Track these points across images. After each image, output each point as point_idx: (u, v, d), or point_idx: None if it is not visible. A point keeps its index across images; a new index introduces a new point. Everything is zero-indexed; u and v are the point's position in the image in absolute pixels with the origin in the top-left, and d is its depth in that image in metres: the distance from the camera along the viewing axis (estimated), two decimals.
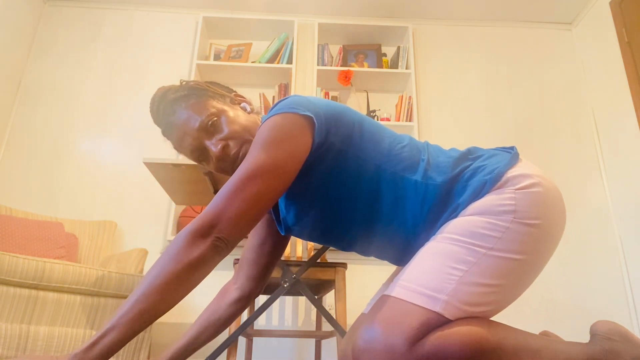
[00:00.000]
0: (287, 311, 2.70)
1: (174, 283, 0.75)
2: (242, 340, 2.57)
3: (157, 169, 1.69)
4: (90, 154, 2.96)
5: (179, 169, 1.68)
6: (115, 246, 2.74)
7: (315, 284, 2.02)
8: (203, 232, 0.77)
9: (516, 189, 0.86)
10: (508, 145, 3.14)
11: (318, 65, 3.19)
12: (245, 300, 1.12)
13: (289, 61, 3.19)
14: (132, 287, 1.96)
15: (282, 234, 1.11)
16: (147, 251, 2.27)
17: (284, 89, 3.15)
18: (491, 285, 0.80)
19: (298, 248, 1.96)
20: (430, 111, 3.22)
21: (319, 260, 1.89)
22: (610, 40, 3.00)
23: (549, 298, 2.79)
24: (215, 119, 0.96)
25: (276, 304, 2.70)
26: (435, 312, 0.77)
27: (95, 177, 2.91)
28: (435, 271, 0.80)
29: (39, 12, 3.26)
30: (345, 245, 1.01)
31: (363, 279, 2.79)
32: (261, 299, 2.66)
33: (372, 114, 3.14)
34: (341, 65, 3.26)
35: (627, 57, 2.82)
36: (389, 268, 2.83)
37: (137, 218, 2.83)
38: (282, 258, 2.64)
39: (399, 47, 3.30)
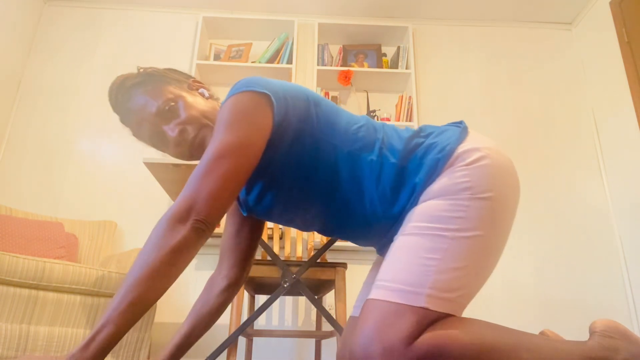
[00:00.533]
0: (287, 311, 2.70)
1: (160, 270, 0.75)
2: (242, 340, 2.57)
3: (157, 169, 1.69)
4: (90, 154, 2.96)
5: (179, 169, 1.68)
6: (115, 246, 2.74)
7: (315, 284, 2.01)
8: (181, 217, 0.78)
9: (467, 165, 0.87)
10: (508, 144, 3.15)
11: (318, 65, 3.19)
12: (233, 287, 1.13)
13: (289, 61, 3.19)
14: None
15: (245, 215, 1.12)
16: None
17: None
18: (466, 267, 0.82)
19: (298, 248, 1.96)
20: (430, 111, 3.22)
21: (319, 260, 1.89)
22: (610, 40, 3.00)
23: (549, 298, 2.79)
24: (173, 104, 0.97)
25: (276, 304, 2.70)
26: (421, 307, 0.78)
27: (95, 177, 2.91)
28: (412, 265, 0.81)
29: (39, 12, 3.26)
30: (308, 225, 1.02)
31: (363, 279, 2.78)
32: (261, 299, 2.66)
33: (372, 114, 3.14)
34: (341, 65, 3.26)
35: (627, 57, 2.82)
36: None
37: (137, 218, 2.83)
38: (282, 258, 2.64)
39: (399, 47, 3.30)
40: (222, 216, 0.82)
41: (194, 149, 0.98)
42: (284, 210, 0.99)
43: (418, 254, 0.82)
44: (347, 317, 2.64)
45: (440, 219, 0.84)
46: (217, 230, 2.66)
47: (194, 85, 1.06)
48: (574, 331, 2.73)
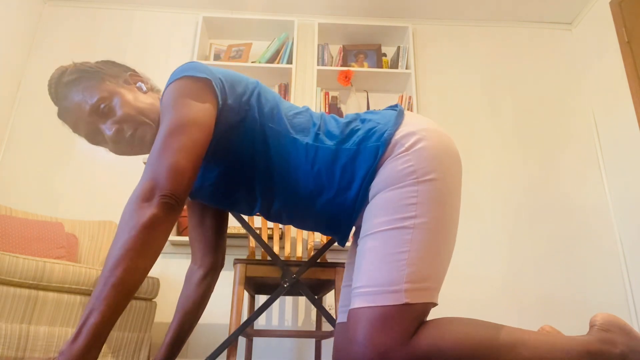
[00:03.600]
0: (287, 311, 2.70)
1: (136, 249, 0.74)
2: (242, 340, 2.57)
3: None
4: (90, 153, 2.96)
5: None
6: None
7: (315, 284, 2.01)
8: (146, 196, 0.78)
9: (406, 150, 0.88)
10: (508, 144, 3.15)
11: (318, 65, 3.19)
12: (211, 274, 1.15)
13: (289, 61, 3.19)
14: None
15: (192, 199, 1.12)
16: None
17: (284, 89, 3.15)
18: (432, 252, 0.83)
19: (298, 248, 1.96)
20: (430, 111, 3.22)
21: (319, 260, 1.89)
22: (610, 40, 3.00)
23: (549, 297, 2.79)
24: (107, 102, 0.96)
25: (276, 304, 2.70)
26: (403, 304, 0.78)
27: (95, 177, 2.91)
28: (383, 264, 0.82)
29: (39, 12, 3.26)
30: (249, 209, 1.03)
31: None
32: (261, 299, 2.66)
33: None
34: (341, 65, 3.26)
35: (627, 57, 2.82)
36: None
37: None
38: (282, 258, 2.64)
39: (399, 47, 3.30)
40: (188, 188, 0.82)
41: (134, 146, 0.98)
42: (225, 192, 1.00)
43: (386, 252, 0.83)
44: None
45: (395, 210, 0.84)
46: None
47: (132, 79, 1.05)
48: (574, 331, 2.73)
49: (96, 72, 1.00)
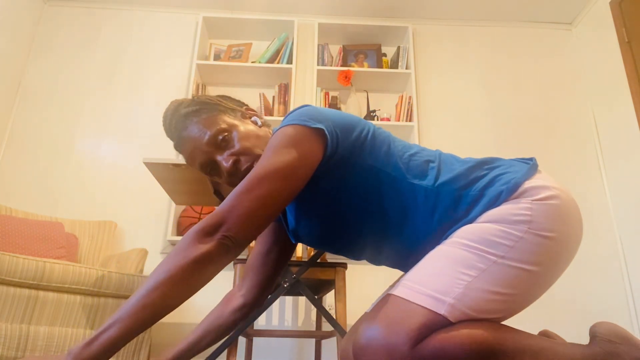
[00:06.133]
0: (287, 311, 2.70)
1: (179, 279, 0.74)
2: (242, 340, 2.57)
3: (157, 169, 1.69)
4: (90, 154, 2.96)
5: (179, 169, 1.67)
6: (115, 246, 2.74)
7: (315, 284, 2.01)
8: (210, 230, 0.77)
9: (533, 200, 0.84)
10: (508, 144, 3.15)
11: (318, 65, 3.19)
12: (248, 308, 1.11)
13: (289, 61, 3.19)
14: (132, 287, 1.95)
15: (293, 242, 1.11)
16: (147, 251, 2.27)
17: (284, 89, 3.15)
18: (499, 294, 0.79)
19: (298, 248, 1.96)
20: (430, 111, 3.22)
21: (319, 260, 1.89)
22: (610, 40, 3.00)
23: (549, 298, 2.79)
24: (226, 134, 0.97)
25: (276, 304, 2.70)
26: (439, 314, 0.77)
27: (95, 177, 2.91)
28: (444, 274, 0.80)
29: (39, 12, 3.26)
30: (356, 254, 1.01)
31: (363, 279, 2.79)
32: None
33: (372, 114, 3.14)
34: (341, 65, 3.26)
35: (627, 57, 2.82)
36: (389, 268, 2.83)
37: (137, 218, 2.83)
38: None
39: (399, 47, 3.30)
40: (253, 237, 0.81)
41: None
42: (335, 238, 0.98)
43: (454, 266, 0.81)
44: (347, 317, 2.64)
45: (487, 242, 0.82)
46: None
47: (247, 113, 1.05)
48: (574, 331, 2.73)
49: (215, 104, 1.01)
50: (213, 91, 3.25)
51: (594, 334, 0.87)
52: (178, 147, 1.02)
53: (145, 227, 2.81)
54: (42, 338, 1.69)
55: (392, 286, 1.09)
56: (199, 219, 2.76)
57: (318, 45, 3.27)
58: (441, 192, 0.89)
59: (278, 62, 3.18)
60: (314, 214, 0.96)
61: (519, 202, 0.85)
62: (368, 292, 2.75)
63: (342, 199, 0.92)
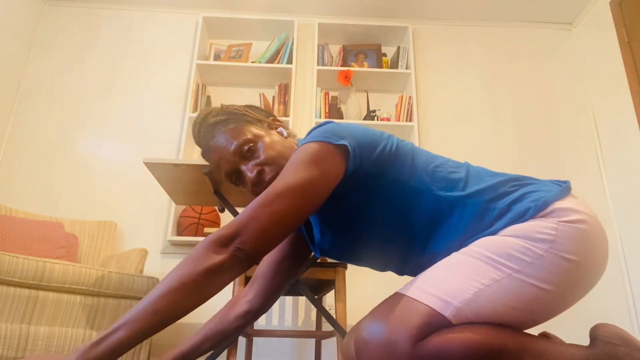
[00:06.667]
0: (287, 311, 2.70)
1: (190, 287, 0.74)
2: (242, 340, 2.57)
3: (157, 169, 1.69)
4: (90, 154, 2.96)
5: (179, 169, 1.67)
6: (115, 246, 2.74)
7: (315, 284, 2.01)
8: (224, 241, 0.78)
9: (560, 221, 0.83)
10: (508, 144, 3.15)
11: (318, 65, 3.19)
12: (252, 315, 1.11)
13: (289, 61, 3.19)
14: (132, 287, 1.95)
15: (318, 256, 1.11)
16: (147, 251, 2.27)
17: (284, 89, 3.15)
18: (507, 306, 0.79)
19: None
20: (430, 111, 3.22)
21: (319, 260, 1.89)
22: (610, 40, 3.00)
23: None
24: (252, 144, 0.97)
25: (276, 304, 2.70)
26: (443, 316, 0.77)
27: (95, 177, 2.91)
28: (455, 279, 0.80)
29: (39, 12, 3.26)
30: (382, 266, 1.01)
31: (363, 279, 2.78)
32: None
33: (372, 114, 3.14)
34: (341, 65, 3.26)
35: (627, 57, 2.82)
36: None
37: (137, 218, 2.83)
38: None
39: (399, 47, 3.30)
40: (267, 252, 0.81)
41: None
42: (361, 252, 0.99)
43: (467, 273, 0.81)
44: (347, 317, 2.64)
45: (505, 255, 0.81)
46: None
47: (274, 124, 1.06)
48: (573, 332, 2.72)
49: (243, 115, 1.02)
50: (213, 91, 3.25)
51: (594, 335, 0.87)
52: (205, 155, 1.03)
53: (145, 227, 2.81)
54: (42, 338, 1.69)
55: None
56: (199, 219, 2.76)
57: (318, 45, 3.27)
58: (468, 204, 0.89)
59: (278, 62, 3.18)
60: (340, 228, 0.96)
61: (546, 220, 0.84)
62: (368, 292, 2.75)
63: (368, 213, 0.92)
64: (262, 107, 1.09)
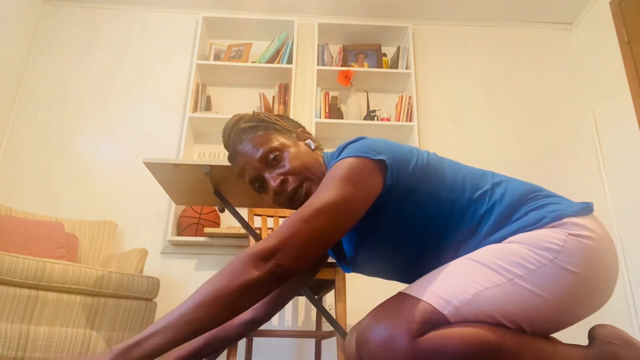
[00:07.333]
0: (287, 311, 2.70)
1: (227, 301, 0.75)
2: (242, 340, 2.57)
3: (157, 169, 1.69)
4: (90, 154, 2.96)
5: (179, 169, 1.67)
6: (115, 246, 2.74)
7: (315, 284, 2.01)
8: (264, 256, 0.78)
9: (570, 233, 0.84)
10: (508, 144, 3.15)
11: (318, 65, 3.19)
12: (256, 323, 1.11)
13: (289, 61, 3.19)
14: (132, 287, 1.95)
15: (348, 271, 1.11)
16: (147, 251, 2.27)
17: (284, 89, 3.15)
18: (506, 311, 0.79)
19: None
20: (430, 111, 3.22)
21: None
22: (610, 40, 3.00)
23: None
24: (278, 153, 0.98)
25: None
26: (443, 314, 0.78)
27: (95, 177, 2.91)
28: (457, 280, 0.81)
29: (39, 12, 3.26)
30: (413, 278, 1.01)
31: (363, 279, 2.78)
32: None
33: (372, 114, 3.14)
34: (341, 65, 3.26)
35: (627, 56, 2.82)
36: None
37: (137, 218, 2.83)
38: None
39: (399, 47, 3.30)
40: (302, 269, 0.81)
41: (294, 202, 0.98)
42: (394, 266, 0.99)
43: (469, 275, 0.82)
44: (347, 317, 2.64)
45: (510, 261, 0.82)
46: (225, 231, 2.66)
47: (302, 135, 1.07)
48: (573, 331, 2.72)
49: (272, 123, 1.03)
50: (213, 91, 3.25)
51: (593, 335, 0.87)
52: (231, 160, 1.04)
53: (145, 227, 2.81)
54: (42, 338, 1.69)
55: None
56: (199, 219, 2.76)
57: (318, 45, 3.27)
58: (492, 212, 0.91)
59: (278, 62, 3.18)
60: (376, 243, 0.97)
61: (556, 231, 0.85)
62: (368, 292, 2.75)
63: (406, 227, 0.93)
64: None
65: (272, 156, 0.98)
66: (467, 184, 0.94)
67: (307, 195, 0.97)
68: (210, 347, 1.07)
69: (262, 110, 3.06)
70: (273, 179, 0.97)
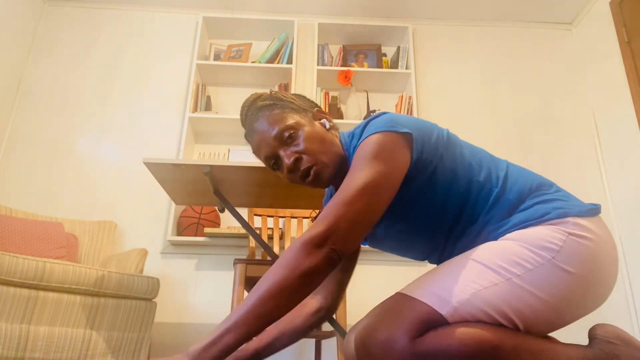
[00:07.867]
0: None
1: (292, 290, 0.77)
2: None
3: (157, 169, 1.69)
4: (90, 154, 2.96)
5: (179, 169, 1.67)
6: (115, 246, 2.74)
7: None
8: (319, 242, 0.79)
9: (570, 233, 0.85)
10: (508, 144, 3.15)
11: (318, 65, 3.19)
12: (324, 312, 1.11)
13: (289, 61, 3.19)
14: (132, 287, 1.95)
15: (365, 244, 1.12)
16: (147, 251, 2.27)
17: (284, 89, 3.15)
18: (504, 311, 0.80)
19: None
20: (430, 111, 3.22)
21: None
22: (610, 40, 3.00)
23: None
24: (293, 131, 0.99)
25: None
26: (440, 314, 0.78)
27: (95, 177, 2.91)
28: (455, 280, 0.82)
29: (39, 12, 3.26)
30: (426, 255, 1.03)
31: (363, 279, 2.79)
32: None
33: (372, 113, 3.14)
34: (341, 65, 3.26)
35: (627, 56, 2.82)
36: (388, 268, 2.82)
37: (137, 218, 2.83)
38: None
39: (399, 47, 3.30)
40: (354, 249, 0.83)
41: (307, 180, 0.99)
42: (410, 241, 1.01)
43: (467, 275, 0.82)
44: (347, 317, 2.64)
45: (509, 261, 0.83)
46: (225, 231, 2.66)
47: (318, 115, 1.08)
48: (573, 331, 2.72)
49: (289, 102, 1.04)
50: (213, 91, 3.25)
51: (593, 335, 0.87)
52: (248, 137, 1.05)
53: (145, 227, 2.81)
54: (42, 338, 1.69)
55: None
56: (199, 219, 2.76)
57: (318, 45, 3.27)
58: (502, 196, 0.92)
59: (278, 62, 3.18)
60: (396, 217, 0.98)
61: (557, 230, 0.85)
62: (368, 292, 2.75)
63: (427, 200, 0.94)
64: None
65: (287, 134, 0.98)
66: (484, 166, 0.96)
67: (319, 175, 0.97)
68: (281, 341, 1.07)
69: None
70: (287, 157, 0.98)
